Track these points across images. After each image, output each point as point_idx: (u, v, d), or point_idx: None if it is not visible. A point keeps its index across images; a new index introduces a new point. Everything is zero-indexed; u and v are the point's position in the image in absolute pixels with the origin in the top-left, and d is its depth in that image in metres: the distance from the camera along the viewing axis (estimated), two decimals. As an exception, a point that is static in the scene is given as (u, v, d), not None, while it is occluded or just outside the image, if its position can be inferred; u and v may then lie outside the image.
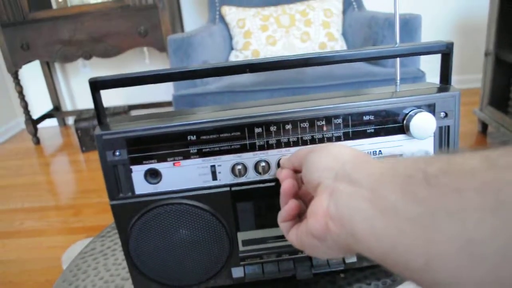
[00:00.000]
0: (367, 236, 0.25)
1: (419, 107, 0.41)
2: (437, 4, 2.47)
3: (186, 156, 0.41)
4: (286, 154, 0.41)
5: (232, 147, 0.41)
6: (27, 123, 2.57)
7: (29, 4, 2.21)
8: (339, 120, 0.41)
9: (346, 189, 0.27)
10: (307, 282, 0.48)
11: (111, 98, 2.69)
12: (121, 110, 2.48)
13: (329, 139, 0.41)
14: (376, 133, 0.42)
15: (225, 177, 0.42)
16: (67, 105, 2.94)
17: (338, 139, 0.41)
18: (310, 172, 0.32)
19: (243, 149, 0.41)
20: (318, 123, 0.41)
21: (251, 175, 0.42)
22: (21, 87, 2.49)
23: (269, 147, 0.41)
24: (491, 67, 1.78)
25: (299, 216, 0.36)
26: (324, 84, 1.53)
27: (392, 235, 0.23)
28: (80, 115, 2.41)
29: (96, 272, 0.54)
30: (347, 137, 0.41)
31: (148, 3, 2.14)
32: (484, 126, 1.94)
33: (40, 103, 2.82)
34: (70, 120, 2.92)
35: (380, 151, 0.42)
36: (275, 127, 0.41)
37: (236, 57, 1.97)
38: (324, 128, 0.41)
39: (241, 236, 0.44)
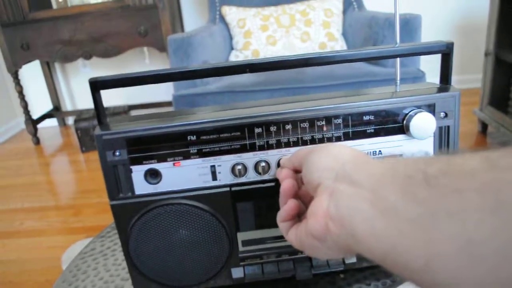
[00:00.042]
0: (367, 236, 0.25)
1: (419, 107, 0.41)
2: (437, 4, 2.47)
3: (186, 156, 0.41)
4: (286, 154, 0.41)
5: (232, 147, 0.41)
6: (27, 123, 2.57)
7: (29, 4, 2.21)
8: (339, 120, 0.41)
9: (347, 190, 0.27)
10: (306, 282, 0.48)
11: (111, 98, 2.69)
12: (121, 110, 2.48)
13: (329, 139, 0.41)
14: (376, 133, 0.42)
15: (225, 177, 0.42)
16: (67, 105, 2.94)
17: (338, 139, 0.41)
18: (310, 172, 0.32)
19: (243, 149, 0.41)
20: (318, 123, 0.41)
21: (251, 175, 0.42)
22: (21, 87, 2.49)
23: (269, 147, 0.41)
24: (491, 67, 1.78)
25: (299, 216, 0.36)
26: (324, 84, 1.53)
27: (392, 235, 0.23)
28: (80, 115, 2.41)
29: (96, 272, 0.54)
30: (347, 137, 0.41)
31: (148, 3, 2.14)
32: (484, 126, 1.94)
33: (40, 103, 2.82)
34: (70, 120, 2.92)
35: (380, 151, 0.42)
36: (275, 127, 0.41)
37: (236, 57, 1.97)
38: (324, 128, 0.41)
39: (241, 236, 0.44)
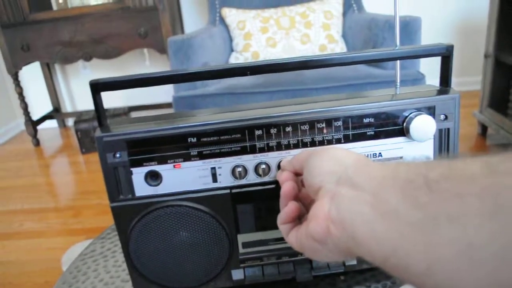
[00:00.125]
0: (368, 239, 0.25)
1: (419, 109, 0.41)
2: (437, 6, 2.48)
3: (187, 158, 0.41)
4: (287, 156, 0.41)
5: (233, 149, 0.41)
6: (27, 124, 2.57)
7: (29, 5, 2.22)
8: (339, 123, 0.41)
9: (348, 193, 0.28)
10: (307, 284, 0.48)
11: (111, 99, 2.69)
12: (121, 112, 2.48)
13: (329, 142, 0.41)
14: (376, 136, 0.42)
15: (225, 179, 0.42)
16: (67, 107, 2.94)
17: (338, 141, 0.41)
18: (312, 176, 0.32)
19: (243, 151, 0.41)
20: (318, 125, 0.41)
21: (252, 177, 0.42)
22: (21, 88, 2.49)
23: (270, 149, 0.41)
24: (491, 69, 1.78)
25: (299, 218, 0.36)
26: (324, 86, 1.53)
27: (393, 238, 0.23)
28: (80, 117, 2.41)
29: (96, 274, 0.54)
30: (347, 139, 0.41)
31: (149, 4, 2.15)
32: (483, 128, 1.94)
33: (40, 105, 2.83)
34: (70, 122, 2.92)
35: (380, 153, 0.42)
36: (275, 129, 0.41)
37: (236, 59, 1.97)
38: (324, 131, 0.41)
39: (241, 238, 0.44)
